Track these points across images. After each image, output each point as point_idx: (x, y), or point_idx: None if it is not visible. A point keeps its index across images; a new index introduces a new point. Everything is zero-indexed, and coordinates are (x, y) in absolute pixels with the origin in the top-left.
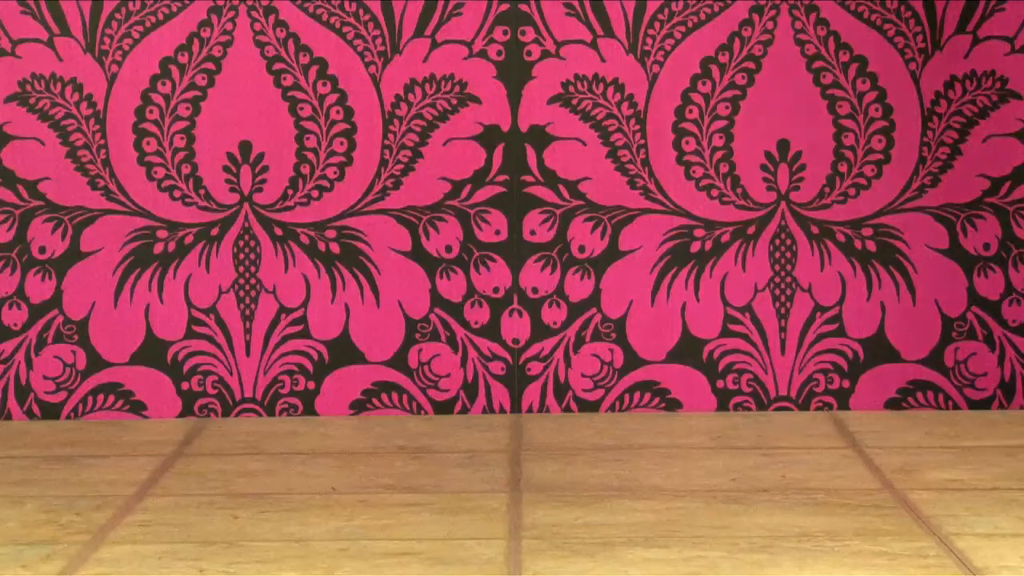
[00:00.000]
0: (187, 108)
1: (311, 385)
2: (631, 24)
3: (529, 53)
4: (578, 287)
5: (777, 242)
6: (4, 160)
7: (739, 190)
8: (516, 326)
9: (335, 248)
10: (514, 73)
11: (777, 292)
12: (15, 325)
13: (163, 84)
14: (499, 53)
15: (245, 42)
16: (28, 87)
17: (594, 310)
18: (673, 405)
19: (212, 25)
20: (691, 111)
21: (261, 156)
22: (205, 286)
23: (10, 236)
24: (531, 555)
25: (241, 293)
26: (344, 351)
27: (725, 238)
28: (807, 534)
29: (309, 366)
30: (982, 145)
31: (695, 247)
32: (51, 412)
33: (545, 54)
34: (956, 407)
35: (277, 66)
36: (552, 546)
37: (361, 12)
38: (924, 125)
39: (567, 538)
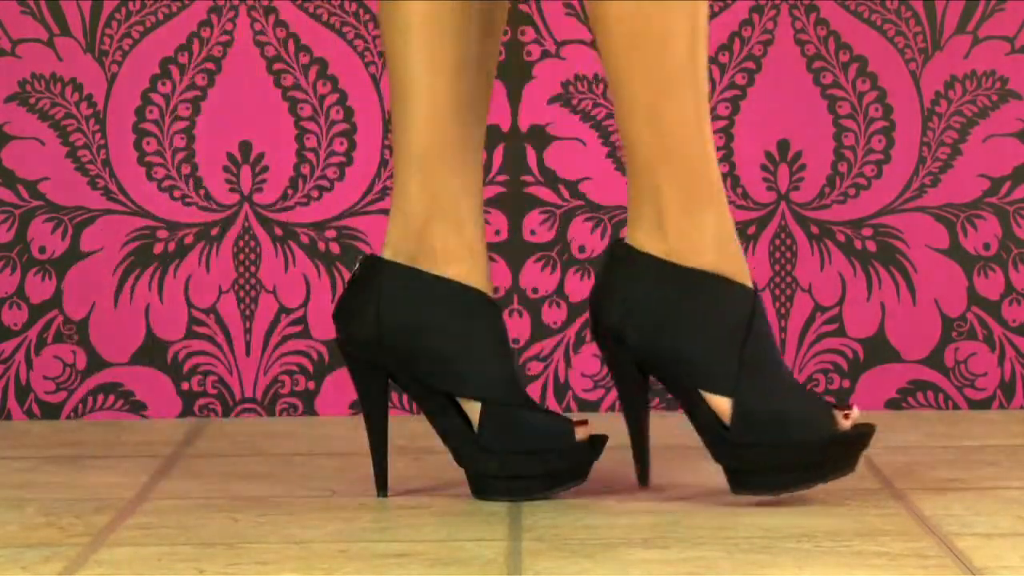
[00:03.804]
0: (187, 108)
1: (311, 385)
2: None
3: (529, 53)
4: (578, 287)
5: (777, 242)
6: (4, 160)
7: (739, 190)
8: (516, 326)
9: (335, 248)
10: (514, 73)
11: (777, 292)
12: (15, 325)
13: (163, 84)
14: (499, 53)
15: (245, 42)
16: (28, 87)
17: None
18: (672, 405)
19: (212, 25)
20: None
21: (261, 156)
22: (205, 286)
23: (10, 236)
24: (531, 556)
25: (241, 293)
26: None
27: None
28: (807, 534)
29: (309, 366)
30: (982, 145)
31: None
32: (51, 412)
33: (545, 54)
34: (956, 407)
35: (277, 66)
36: (552, 547)
37: (361, 12)
38: (924, 125)
39: (567, 539)
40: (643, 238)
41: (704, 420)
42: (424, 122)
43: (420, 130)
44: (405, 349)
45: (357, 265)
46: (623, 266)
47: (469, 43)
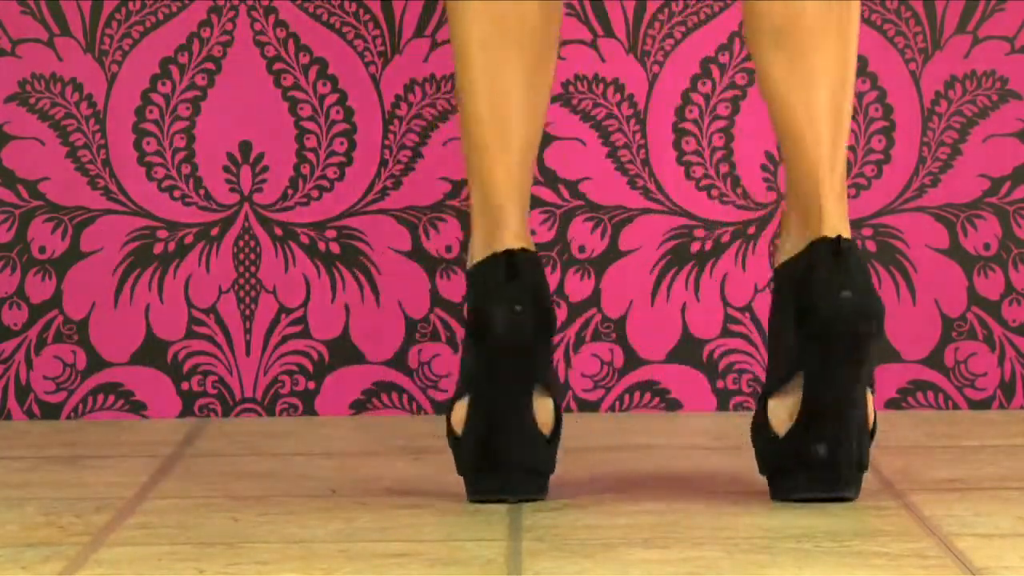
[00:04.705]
0: (187, 108)
1: (311, 385)
2: (631, 24)
3: None
4: (578, 287)
5: (777, 242)
6: (4, 160)
7: (739, 190)
8: None
9: (335, 248)
10: None
11: None
12: (15, 325)
13: (163, 84)
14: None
15: (245, 42)
16: (28, 87)
17: (594, 310)
18: (673, 405)
19: (212, 25)
20: (691, 111)
21: (261, 156)
22: (205, 286)
23: (10, 236)
24: (531, 556)
25: (241, 293)
26: (344, 351)
27: (725, 238)
28: (807, 534)
29: (309, 366)
30: (982, 145)
31: (695, 247)
32: (51, 412)
33: None
34: (956, 407)
35: (277, 66)
36: (552, 547)
37: (361, 12)
38: (924, 125)
39: (567, 539)
40: (831, 231)
41: (856, 420)
42: (521, 115)
43: (519, 122)
44: (531, 342)
45: (502, 259)
46: (851, 261)
47: (548, 35)
